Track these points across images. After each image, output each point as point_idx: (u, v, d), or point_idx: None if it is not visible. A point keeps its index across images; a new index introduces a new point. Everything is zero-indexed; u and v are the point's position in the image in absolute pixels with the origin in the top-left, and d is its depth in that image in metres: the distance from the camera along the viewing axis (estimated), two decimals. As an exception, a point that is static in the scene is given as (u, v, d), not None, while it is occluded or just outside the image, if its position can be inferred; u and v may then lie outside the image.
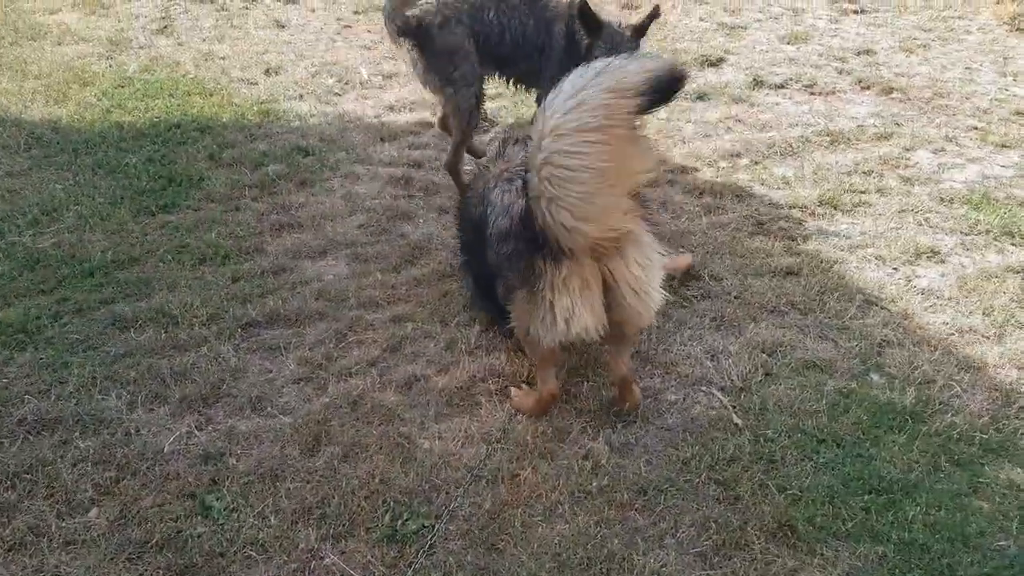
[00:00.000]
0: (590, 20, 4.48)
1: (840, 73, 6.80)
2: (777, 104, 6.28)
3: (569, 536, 2.82)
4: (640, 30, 4.66)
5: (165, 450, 3.17)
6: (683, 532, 2.83)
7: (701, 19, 7.96)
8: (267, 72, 6.86)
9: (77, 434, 3.24)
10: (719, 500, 2.96)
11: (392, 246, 4.54)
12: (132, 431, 3.27)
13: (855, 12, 8.23)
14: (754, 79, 6.62)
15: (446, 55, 4.61)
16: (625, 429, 3.30)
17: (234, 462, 3.14)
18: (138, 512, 2.91)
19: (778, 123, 5.95)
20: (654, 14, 4.66)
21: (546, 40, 4.71)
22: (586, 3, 4.45)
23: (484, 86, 4.84)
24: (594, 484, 3.02)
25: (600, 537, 2.81)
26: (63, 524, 2.86)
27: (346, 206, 4.93)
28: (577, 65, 2.67)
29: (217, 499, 2.96)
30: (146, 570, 2.71)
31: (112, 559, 2.75)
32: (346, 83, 6.67)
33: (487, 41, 4.66)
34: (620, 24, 4.69)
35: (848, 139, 5.70)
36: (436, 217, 4.86)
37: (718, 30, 7.68)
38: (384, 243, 4.58)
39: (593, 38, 4.54)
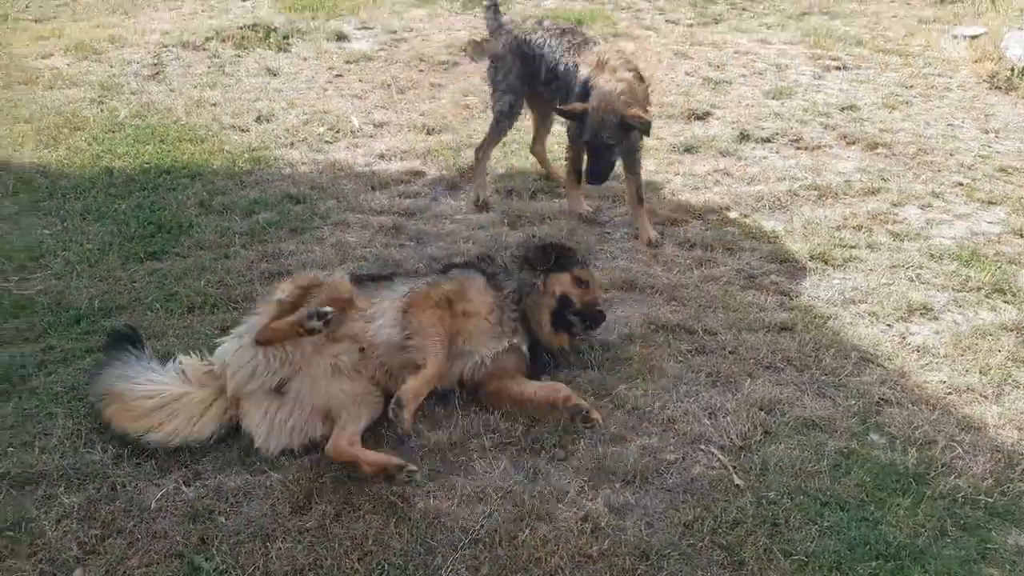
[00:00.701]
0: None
1: (825, 128, 6.92)
2: (764, 158, 6.37)
3: (570, 603, 2.74)
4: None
5: (152, 507, 3.08)
6: (687, 599, 2.77)
7: (687, 73, 8.09)
8: (258, 119, 6.87)
9: (62, 489, 3.14)
10: (723, 566, 2.90)
11: (384, 296, 4.50)
12: (118, 486, 3.18)
13: (837, 68, 8.41)
14: (740, 133, 6.71)
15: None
16: (624, 489, 3.24)
17: (223, 520, 3.04)
18: (124, 573, 2.80)
19: (766, 177, 6.02)
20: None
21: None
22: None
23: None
24: (594, 548, 2.95)
25: (602, 604, 2.74)
26: (45, 587, 2.75)
27: (336, 255, 4.90)
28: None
29: (206, 560, 2.86)
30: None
31: (96, 626, 2.64)
32: (337, 131, 6.69)
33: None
34: None
35: (836, 194, 5.77)
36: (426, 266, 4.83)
37: (704, 84, 7.81)
38: (376, 293, 4.53)
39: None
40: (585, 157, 5.03)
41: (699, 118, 7.03)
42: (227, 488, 3.19)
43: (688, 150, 6.42)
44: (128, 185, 5.67)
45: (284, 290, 3.62)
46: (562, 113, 5.09)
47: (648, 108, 5.00)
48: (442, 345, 3.54)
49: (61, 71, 7.88)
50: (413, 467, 3.20)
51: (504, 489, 3.22)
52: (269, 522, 3.02)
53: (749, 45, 9.06)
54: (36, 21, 9.48)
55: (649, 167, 6.13)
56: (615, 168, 5.08)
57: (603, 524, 3.05)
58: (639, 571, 2.86)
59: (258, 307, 3.67)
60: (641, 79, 5.02)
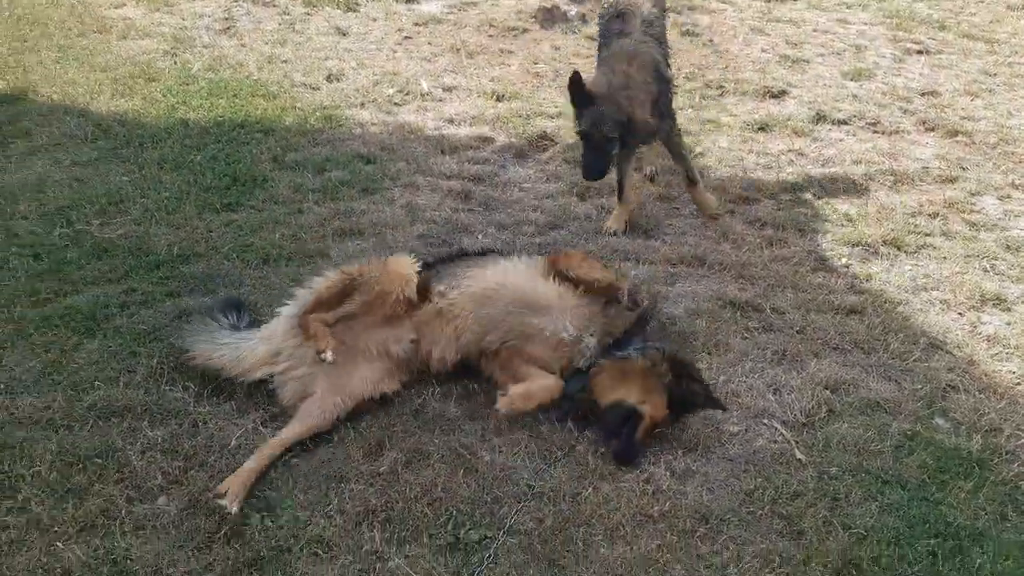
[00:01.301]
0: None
1: (904, 113, 6.76)
2: (840, 140, 6.26)
3: (631, 559, 2.80)
4: None
5: (231, 444, 3.21)
6: (746, 563, 2.81)
7: (763, 50, 7.96)
8: (329, 78, 6.97)
9: (146, 423, 3.29)
10: (782, 534, 2.94)
11: (452, 258, 4.57)
12: (199, 423, 3.32)
13: (919, 52, 8.19)
14: (817, 113, 6.60)
15: None
16: (686, 456, 3.28)
17: (298, 461, 3.17)
18: (206, 503, 2.94)
19: (841, 159, 5.93)
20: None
21: None
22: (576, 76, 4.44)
23: None
24: (655, 509, 3.01)
25: (663, 562, 2.80)
26: (133, 509, 2.91)
27: (407, 216, 4.98)
28: None
29: (282, 496, 2.98)
30: (214, 560, 2.74)
31: (181, 547, 2.78)
32: (407, 94, 6.75)
33: None
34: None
35: (912, 180, 5.66)
36: (495, 232, 4.89)
37: (780, 62, 7.68)
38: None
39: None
40: (583, 151, 4.62)
41: (774, 96, 6.93)
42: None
43: (762, 128, 6.34)
44: (203, 137, 5.81)
45: (328, 282, 3.60)
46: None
47: (648, 103, 4.63)
48: None
49: (134, 21, 8.06)
50: None
51: (568, 448, 3.29)
52: (342, 465, 3.14)
53: (828, 24, 8.86)
54: (109, -31, 9.68)
55: (722, 143, 6.10)
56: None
57: (664, 487, 3.11)
58: (699, 533, 2.91)
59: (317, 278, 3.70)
60: (651, 78, 4.66)
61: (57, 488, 2.97)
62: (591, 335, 3.50)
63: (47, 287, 4.09)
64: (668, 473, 3.20)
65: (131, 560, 2.73)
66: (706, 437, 3.37)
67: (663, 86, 4.75)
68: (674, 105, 5.18)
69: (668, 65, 5.05)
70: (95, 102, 6.30)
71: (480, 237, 4.81)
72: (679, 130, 5.12)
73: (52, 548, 2.75)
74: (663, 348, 3.45)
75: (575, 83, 4.42)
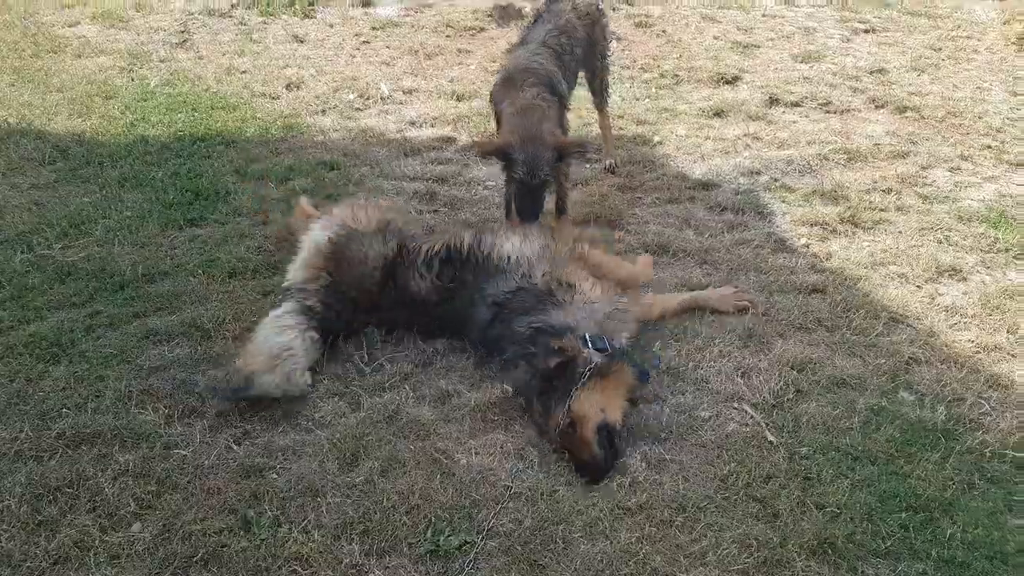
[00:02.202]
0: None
1: (854, 92, 6.87)
2: (794, 122, 6.35)
3: (611, 553, 2.84)
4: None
5: (205, 464, 3.20)
6: (725, 549, 2.85)
7: (715, 37, 8.04)
8: (288, 87, 6.94)
9: (116, 448, 3.27)
10: (758, 517, 2.99)
11: (419, 260, 4.58)
12: (171, 445, 3.30)
13: (866, 31, 8.32)
14: (770, 97, 6.69)
15: None
16: (660, 446, 3.33)
17: (274, 477, 3.16)
18: (181, 527, 2.93)
19: (795, 141, 6.01)
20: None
21: None
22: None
23: None
24: (633, 501, 3.05)
25: (643, 554, 2.83)
26: (107, 538, 2.88)
27: (371, 221, 4.96)
28: None
29: (259, 514, 2.98)
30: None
31: (157, 574, 2.77)
32: (367, 98, 6.74)
33: None
34: None
35: (865, 157, 5.76)
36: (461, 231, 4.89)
37: (732, 48, 7.77)
38: (411, 258, 4.61)
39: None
40: (515, 194, 4.41)
41: (728, 82, 7.01)
42: (276, 446, 3.31)
43: (718, 114, 6.41)
44: (163, 153, 5.76)
45: None
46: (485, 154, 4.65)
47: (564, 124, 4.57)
48: None
49: (88, 39, 7.96)
50: None
51: (542, 447, 3.32)
52: (318, 478, 3.14)
53: (776, 8, 8.99)
54: (60, -11, 9.54)
55: (679, 131, 6.16)
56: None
57: (641, 478, 3.15)
58: (677, 522, 2.95)
59: None
60: (546, 91, 4.47)
61: (28, 521, 2.94)
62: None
63: (9, 315, 4.05)
64: (644, 464, 3.24)
65: (107, 590, 2.72)
66: (679, 425, 3.42)
67: (559, 105, 4.55)
68: (612, 91, 5.42)
69: (571, 78, 4.88)
70: (52, 123, 6.23)
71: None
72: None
73: (25, 584, 2.73)
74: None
75: (482, 152, 4.56)
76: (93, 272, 4.41)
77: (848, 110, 6.57)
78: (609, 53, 5.40)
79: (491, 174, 5.61)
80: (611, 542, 2.88)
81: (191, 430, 3.38)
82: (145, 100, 6.64)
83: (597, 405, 3.26)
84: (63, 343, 3.86)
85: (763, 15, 8.72)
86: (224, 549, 2.85)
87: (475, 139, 5.99)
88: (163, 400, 3.52)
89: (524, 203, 4.33)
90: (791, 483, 3.11)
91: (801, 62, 7.48)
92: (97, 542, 2.86)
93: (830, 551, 2.84)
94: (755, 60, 7.52)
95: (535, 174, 4.22)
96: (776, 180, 5.48)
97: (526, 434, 3.39)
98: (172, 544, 2.86)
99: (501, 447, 3.32)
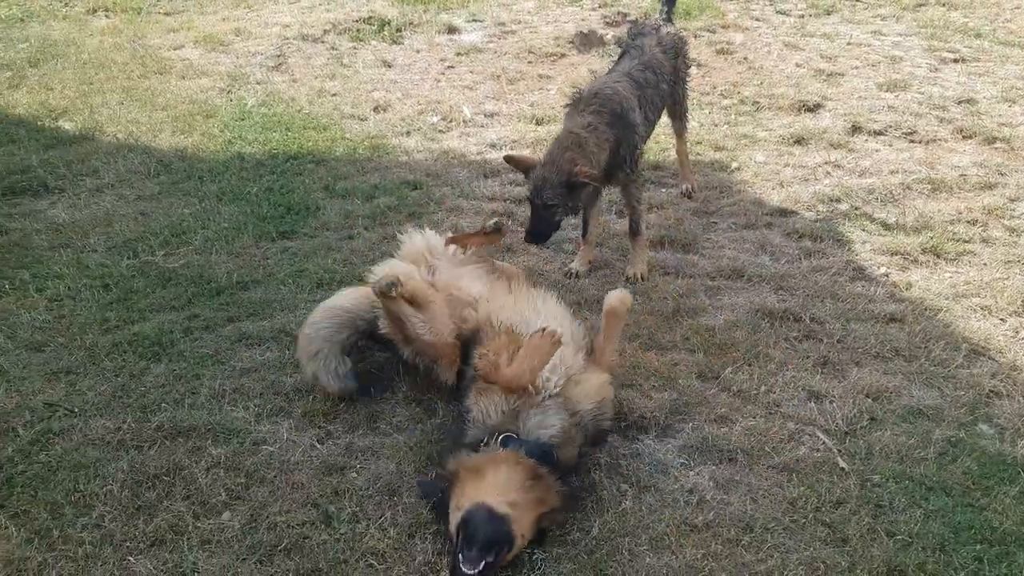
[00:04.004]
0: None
1: (941, 122, 6.74)
2: (877, 151, 6.27)
3: (676, 567, 2.89)
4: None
5: (291, 460, 3.38)
6: (791, 570, 2.86)
7: (797, 65, 8.00)
8: (376, 109, 7.22)
9: (209, 441, 3.49)
10: (827, 542, 2.99)
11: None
12: (259, 441, 3.50)
13: (955, 61, 8.14)
14: (852, 125, 6.62)
15: None
16: (729, 467, 3.36)
17: (354, 475, 3.32)
18: (267, 518, 3.11)
19: (878, 170, 5.94)
20: None
21: None
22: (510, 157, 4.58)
23: None
24: (699, 518, 3.09)
25: (708, 570, 2.87)
26: (199, 524, 3.09)
27: (451, 238, 5.14)
28: None
29: (339, 509, 3.14)
30: (276, 572, 2.90)
31: (244, 560, 2.95)
32: (450, 121, 6.96)
33: None
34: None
35: (950, 188, 5.64)
36: (536, 251, 5.03)
37: (815, 76, 7.71)
38: (488, 275, 4.76)
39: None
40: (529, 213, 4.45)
41: (809, 110, 6.97)
42: (357, 447, 3.47)
43: (798, 141, 6.39)
44: (258, 169, 6.09)
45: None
46: (511, 162, 4.62)
47: (603, 153, 4.39)
48: None
49: (192, 62, 8.45)
50: None
51: (611, 462, 3.39)
52: (395, 479, 3.29)
53: (862, 36, 8.86)
54: (167, 14, 10.15)
55: (758, 158, 6.16)
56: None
57: (708, 497, 3.18)
58: (743, 542, 2.98)
59: None
60: (608, 121, 4.41)
61: (128, 505, 3.18)
62: None
63: (116, 315, 4.35)
64: (712, 483, 3.27)
65: (198, 573, 2.90)
66: (748, 447, 3.44)
67: (626, 132, 4.47)
68: (691, 117, 5.33)
69: (652, 110, 4.82)
70: (157, 139, 6.64)
71: (523, 256, 4.96)
72: (639, 180, 4.85)
73: (124, 562, 2.94)
74: None
75: (509, 160, 4.55)
76: (192, 278, 4.70)
77: (934, 140, 6.45)
78: (689, 80, 5.44)
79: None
80: (676, 557, 2.93)
81: (278, 428, 3.58)
82: (242, 119, 7.02)
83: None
84: (164, 343, 4.14)
85: (848, 43, 8.63)
86: (306, 540, 3.02)
87: (511, 151, 6.08)
88: (253, 399, 3.74)
89: (531, 223, 4.39)
90: (862, 510, 3.10)
91: (886, 91, 7.38)
92: (190, 527, 3.07)
93: (900, 579, 2.82)
94: (838, 88, 7.45)
95: (540, 195, 4.25)
96: (857, 208, 5.43)
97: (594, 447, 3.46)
98: (259, 533, 3.05)
99: (570, 460, 3.40)
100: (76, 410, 3.67)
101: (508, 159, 4.58)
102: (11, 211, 5.54)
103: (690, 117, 5.68)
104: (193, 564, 2.93)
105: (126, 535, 3.05)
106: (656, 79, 4.84)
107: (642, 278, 4.71)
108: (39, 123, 6.97)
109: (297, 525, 3.08)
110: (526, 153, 6.30)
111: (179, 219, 5.38)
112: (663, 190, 5.80)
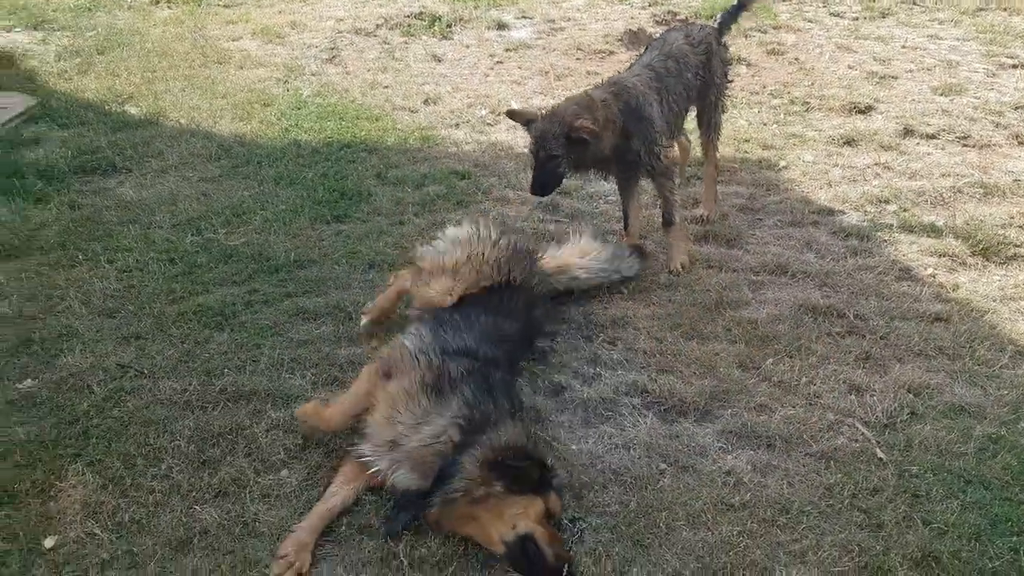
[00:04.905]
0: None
1: (996, 127, 6.69)
2: (928, 154, 6.26)
3: (712, 543, 2.98)
4: None
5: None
6: (825, 552, 2.94)
7: (850, 67, 7.99)
8: (426, 101, 7.40)
9: (269, 405, 3.67)
10: (862, 526, 3.05)
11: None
12: (315, 407, 3.66)
13: (1014, 66, 8.05)
14: (904, 128, 6.61)
15: None
16: (767, 452, 3.44)
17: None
18: (322, 477, 3.27)
19: (929, 172, 5.93)
20: None
21: None
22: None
23: None
24: (736, 498, 3.18)
25: (743, 547, 2.96)
26: (260, 480, 3.26)
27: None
28: None
29: (389, 474, 3.28)
30: (330, 527, 3.05)
31: (302, 513, 3.11)
32: (498, 115, 7.09)
33: None
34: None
35: (1004, 193, 5.62)
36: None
37: (867, 78, 7.70)
38: (535, 262, 4.88)
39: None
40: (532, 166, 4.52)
41: (861, 112, 6.97)
42: (405, 417, 3.62)
43: (848, 142, 6.40)
44: (313, 156, 6.29)
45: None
46: (512, 116, 4.67)
47: (610, 127, 4.40)
48: None
49: (250, 53, 8.71)
50: None
51: (650, 442, 3.49)
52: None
53: (918, 40, 8.81)
54: (226, 6, 10.44)
55: (806, 157, 6.20)
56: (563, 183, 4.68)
57: (745, 479, 3.27)
58: (779, 522, 3.06)
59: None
60: (620, 108, 4.44)
61: (194, 459, 3.36)
62: None
63: (181, 287, 4.57)
64: (750, 467, 3.36)
65: (259, 523, 3.07)
66: (787, 435, 3.51)
67: (639, 126, 4.50)
68: (740, 116, 5.31)
69: (677, 100, 4.80)
70: (217, 125, 6.89)
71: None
72: (669, 172, 4.79)
73: (191, 510, 3.12)
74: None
75: (511, 115, 4.62)
76: (252, 256, 4.91)
77: (988, 145, 6.41)
78: (727, 89, 5.33)
79: (612, 190, 5.83)
80: (712, 533, 3.02)
81: (334, 396, 3.73)
82: (298, 108, 7.24)
83: None
84: (226, 314, 4.33)
85: (903, 47, 8.58)
86: (359, 500, 3.17)
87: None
88: (310, 369, 3.91)
89: (535, 176, 4.45)
90: (898, 498, 3.16)
91: (940, 95, 7.34)
92: (251, 482, 3.25)
93: (934, 565, 2.88)
94: (891, 91, 7.43)
95: (542, 146, 4.30)
96: (905, 210, 5.44)
97: (632, 429, 3.57)
98: (315, 490, 3.21)
99: (610, 439, 3.52)
100: (146, 372, 3.88)
101: (510, 113, 4.63)
102: (83, 188, 5.81)
103: (740, 117, 5.68)
104: (254, 515, 3.10)
105: (192, 486, 3.23)
106: (679, 68, 4.84)
107: (683, 268, 4.76)
108: (106, 107, 7.27)
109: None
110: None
111: (239, 200, 5.60)
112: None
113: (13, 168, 5.88)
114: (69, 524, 3.05)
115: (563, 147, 4.30)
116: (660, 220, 4.92)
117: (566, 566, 2.78)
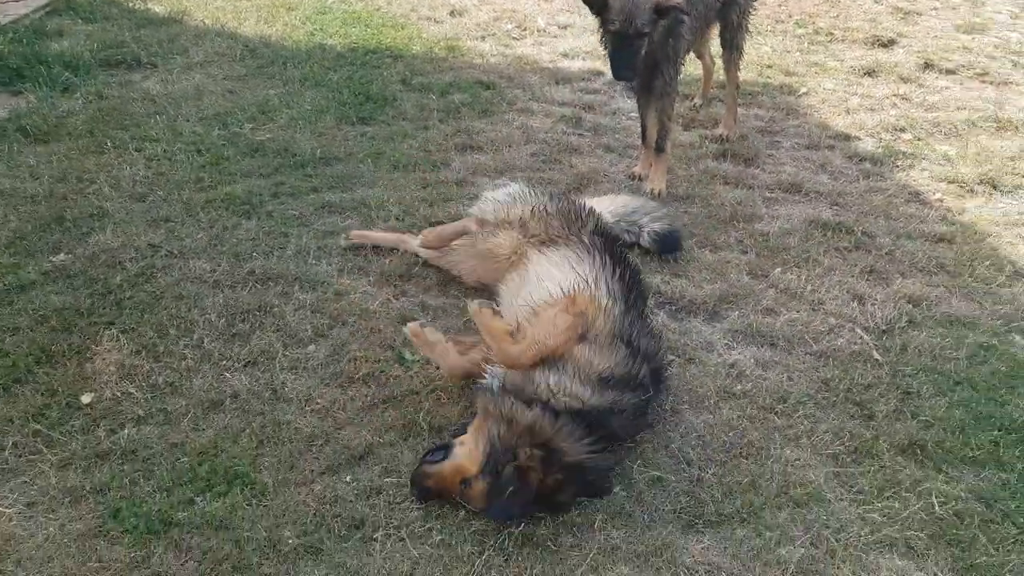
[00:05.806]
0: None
1: (1015, 66, 6.71)
2: (946, 88, 6.30)
3: (713, 423, 3.19)
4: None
5: (370, 309, 3.72)
6: (818, 437, 3.14)
7: (876, 2, 7.95)
8: (452, 13, 7.40)
9: (296, 288, 3.85)
10: (854, 416, 3.25)
11: (562, 174, 4.96)
12: (341, 292, 3.84)
13: (1040, 8, 8.01)
14: (925, 62, 6.64)
15: None
16: (770, 349, 3.62)
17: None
18: (347, 353, 3.47)
19: (945, 105, 5.99)
20: None
21: None
22: None
23: None
24: (738, 387, 3.37)
25: (742, 428, 3.16)
26: (287, 353, 3.46)
27: (521, 136, 5.38)
28: None
29: (411, 353, 3.47)
30: (355, 395, 3.26)
31: (327, 384, 3.31)
32: (524, 29, 7.12)
33: None
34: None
35: (1016, 127, 5.69)
36: (603, 154, 5.26)
37: (892, 13, 7.68)
38: (554, 171, 5.00)
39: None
40: (609, 49, 4.24)
41: (883, 45, 6.99)
42: (429, 305, 3.81)
43: (868, 73, 6.45)
44: (339, 60, 6.35)
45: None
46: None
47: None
48: None
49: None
50: None
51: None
52: (463, 334, 3.60)
53: (946, -22, 8.72)
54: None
55: (827, 85, 6.25)
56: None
57: (748, 372, 3.46)
58: (777, 409, 3.26)
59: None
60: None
61: (224, 332, 3.55)
62: None
63: (209, 176, 4.71)
64: (752, 362, 3.54)
65: (286, 389, 3.28)
66: (789, 335, 3.69)
67: (674, 29, 4.35)
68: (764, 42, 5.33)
69: (700, 20, 4.70)
70: (242, 27, 6.92)
71: (588, 158, 5.17)
72: (673, 95, 4.74)
73: (222, 377, 3.33)
74: None
75: None
76: (277, 151, 5.02)
77: (1006, 83, 6.45)
78: (751, 12, 5.31)
79: (634, 106, 5.89)
80: (714, 416, 3.23)
81: (358, 283, 3.92)
82: (323, 14, 7.26)
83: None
84: (253, 203, 4.48)
85: (930, -17, 8.51)
86: (382, 373, 3.37)
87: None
88: (336, 258, 4.08)
89: (618, 57, 4.11)
90: (890, 393, 3.35)
91: (963, 32, 7.33)
92: (279, 354, 3.44)
93: (919, 452, 3.08)
94: (914, 26, 7.42)
95: (631, 22, 3.97)
96: (919, 139, 5.53)
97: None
98: (340, 364, 3.41)
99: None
100: (176, 252, 4.05)
101: None
102: (108, 80, 5.90)
103: (763, 44, 5.72)
104: (282, 383, 3.30)
105: (223, 355, 3.43)
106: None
107: (659, 194, 4.77)
108: (130, 3, 7.30)
109: (374, 361, 3.43)
110: (598, 64, 6.45)
111: (265, 99, 5.69)
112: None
113: (39, 57, 5.95)
114: (105, 384, 3.26)
115: (652, 22, 3.98)
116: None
117: None
